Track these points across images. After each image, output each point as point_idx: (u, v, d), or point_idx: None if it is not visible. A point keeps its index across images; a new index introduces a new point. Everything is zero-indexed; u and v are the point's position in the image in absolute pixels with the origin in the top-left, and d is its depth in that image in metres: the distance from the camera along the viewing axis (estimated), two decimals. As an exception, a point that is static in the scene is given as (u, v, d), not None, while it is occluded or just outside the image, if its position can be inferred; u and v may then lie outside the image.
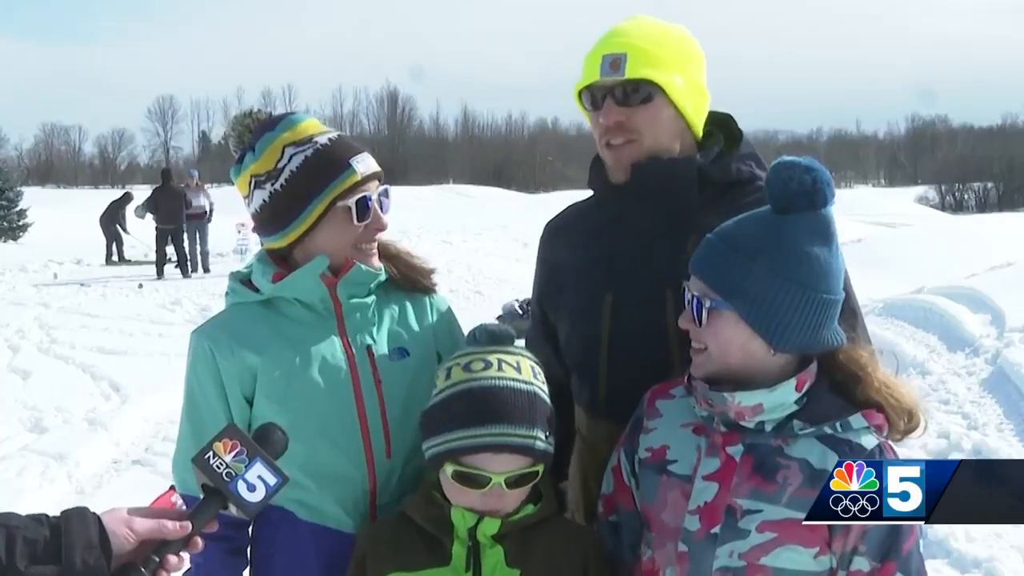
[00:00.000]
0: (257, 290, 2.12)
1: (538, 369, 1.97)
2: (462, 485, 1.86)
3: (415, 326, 2.19)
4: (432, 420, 1.92)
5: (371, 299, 2.14)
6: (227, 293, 2.18)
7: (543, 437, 1.86)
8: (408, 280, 2.21)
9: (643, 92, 2.02)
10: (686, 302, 1.82)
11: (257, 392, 2.06)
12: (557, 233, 2.29)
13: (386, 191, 2.12)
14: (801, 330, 1.74)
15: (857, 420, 1.75)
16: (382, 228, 2.10)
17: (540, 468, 1.89)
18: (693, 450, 1.82)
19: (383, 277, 2.14)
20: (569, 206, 2.33)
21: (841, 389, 1.79)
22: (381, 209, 2.10)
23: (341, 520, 2.07)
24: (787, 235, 1.74)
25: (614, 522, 1.98)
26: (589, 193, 2.24)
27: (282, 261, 2.12)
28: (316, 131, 2.10)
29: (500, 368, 1.90)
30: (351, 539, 2.05)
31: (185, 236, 18.72)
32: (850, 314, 1.92)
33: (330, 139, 2.08)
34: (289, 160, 2.05)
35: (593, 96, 2.07)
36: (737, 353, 1.77)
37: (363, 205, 2.06)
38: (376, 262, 2.12)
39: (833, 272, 1.76)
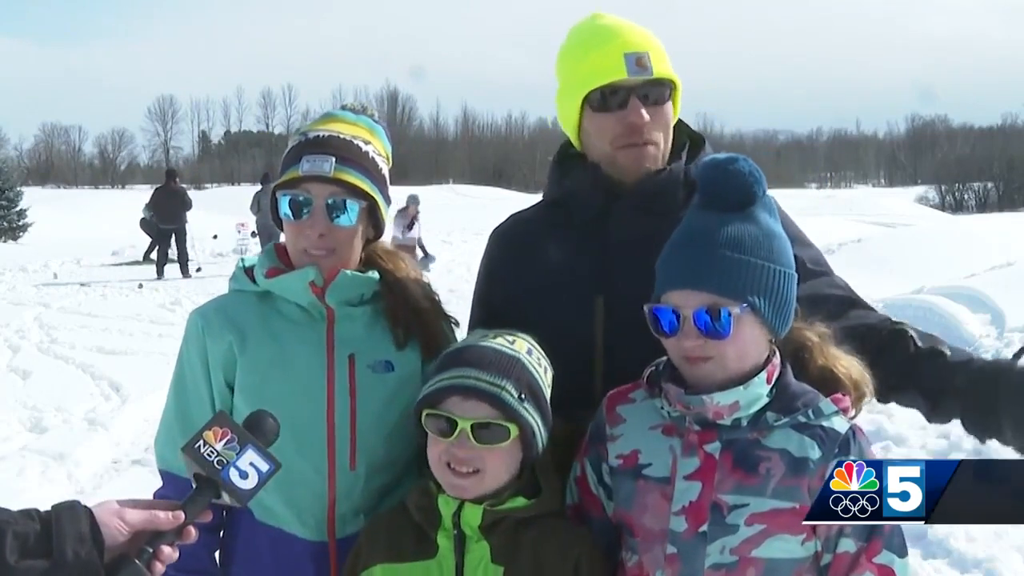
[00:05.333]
0: (255, 281, 2.12)
1: (537, 352, 1.93)
2: (433, 434, 1.84)
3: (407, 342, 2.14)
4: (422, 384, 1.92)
5: (366, 308, 2.12)
6: (231, 277, 2.18)
7: (515, 394, 1.83)
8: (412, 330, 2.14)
9: (664, 90, 2.02)
10: (682, 319, 1.76)
11: (236, 381, 2.06)
12: (514, 239, 2.23)
13: (342, 202, 2.04)
14: (792, 312, 1.83)
15: (827, 406, 1.80)
16: (318, 232, 2.04)
17: (512, 428, 1.82)
18: (666, 451, 1.83)
19: (375, 279, 2.12)
20: (513, 215, 2.28)
21: (793, 368, 1.85)
22: (331, 217, 2.04)
23: (294, 524, 2.04)
24: (762, 224, 1.79)
25: None
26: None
27: (286, 255, 2.13)
28: (322, 127, 2.11)
29: (494, 339, 1.92)
30: (305, 545, 2.03)
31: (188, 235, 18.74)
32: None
33: (318, 135, 2.08)
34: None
35: (605, 96, 2.00)
36: (755, 353, 1.79)
37: (293, 203, 2.04)
38: (331, 267, 2.06)
39: (790, 248, 1.85)
